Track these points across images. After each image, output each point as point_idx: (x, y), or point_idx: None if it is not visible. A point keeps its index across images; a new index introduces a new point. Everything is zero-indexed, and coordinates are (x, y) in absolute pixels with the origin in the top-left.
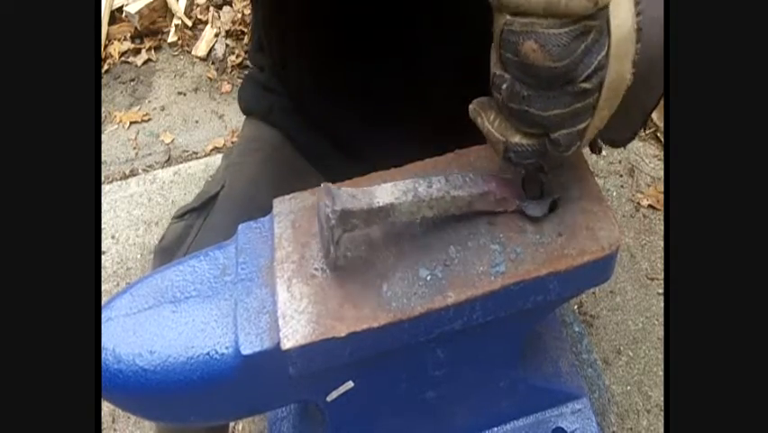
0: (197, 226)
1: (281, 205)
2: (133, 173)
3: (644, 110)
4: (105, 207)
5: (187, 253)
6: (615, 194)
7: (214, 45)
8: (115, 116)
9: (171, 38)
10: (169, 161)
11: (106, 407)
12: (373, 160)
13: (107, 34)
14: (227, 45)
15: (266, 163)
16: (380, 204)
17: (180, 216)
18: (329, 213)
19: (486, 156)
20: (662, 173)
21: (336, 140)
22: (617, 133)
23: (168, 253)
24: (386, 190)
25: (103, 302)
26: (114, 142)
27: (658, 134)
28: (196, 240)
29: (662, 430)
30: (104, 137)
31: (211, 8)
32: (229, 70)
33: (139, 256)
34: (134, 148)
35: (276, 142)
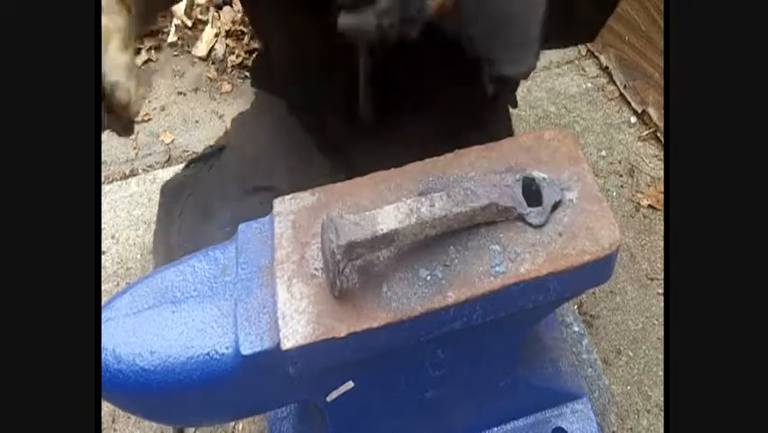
0: (204, 171)
1: (281, 205)
2: (133, 173)
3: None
4: (105, 207)
5: (193, 194)
6: (615, 194)
7: (214, 45)
8: None
9: (171, 38)
10: (169, 161)
11: (106, 407)
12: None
13: None
14: (227, 45)
15: (265, 118)
16: (384, 230)
17: (186, 166)
18: (334, 248)
19: (486, 156)
20: (662, 173)
21: (328, 144)
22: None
23: (174, 193)
24: (388, 214)
25: (103, 302)
26: (114, 142)
27: (658, 134)
28: (201, 183)
29: (662, 430)
30: (104, 137)
31: (211, 8)
32: (229, 70)
33: (139, 256)
34: (134, 148)
35: (281, 110)
